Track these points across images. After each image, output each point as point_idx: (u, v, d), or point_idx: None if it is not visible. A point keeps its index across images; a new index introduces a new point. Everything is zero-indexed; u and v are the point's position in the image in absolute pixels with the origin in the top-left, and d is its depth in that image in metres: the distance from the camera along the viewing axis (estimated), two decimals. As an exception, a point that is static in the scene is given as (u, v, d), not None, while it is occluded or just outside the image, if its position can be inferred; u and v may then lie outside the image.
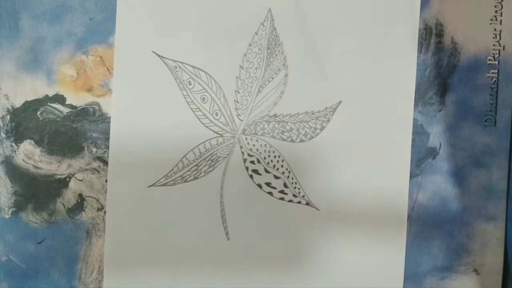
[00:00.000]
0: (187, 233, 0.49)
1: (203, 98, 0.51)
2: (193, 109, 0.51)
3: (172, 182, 0.50)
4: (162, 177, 0.50)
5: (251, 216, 0.51)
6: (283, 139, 0.51)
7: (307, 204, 0.52)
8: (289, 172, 0.52)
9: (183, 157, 0.50)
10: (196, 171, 0.48)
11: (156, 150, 0.47)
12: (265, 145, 0.49)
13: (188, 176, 0.48)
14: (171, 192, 0.48)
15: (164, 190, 0.48)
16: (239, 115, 0.51)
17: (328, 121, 0.52)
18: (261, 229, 0.51)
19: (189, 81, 0.51)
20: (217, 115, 0.51)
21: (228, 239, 0.49)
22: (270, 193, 0.51)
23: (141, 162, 0.47)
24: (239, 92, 0.51)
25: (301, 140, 0.51)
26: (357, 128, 0.51)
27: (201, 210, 0.48)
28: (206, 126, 0.51)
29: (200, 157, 0.48)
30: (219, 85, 0.51)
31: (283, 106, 0.51)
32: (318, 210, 0.52)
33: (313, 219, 0.52)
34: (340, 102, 0.52)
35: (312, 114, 0.52)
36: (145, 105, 0.50)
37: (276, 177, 0.51)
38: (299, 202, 0.52)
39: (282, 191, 0.49)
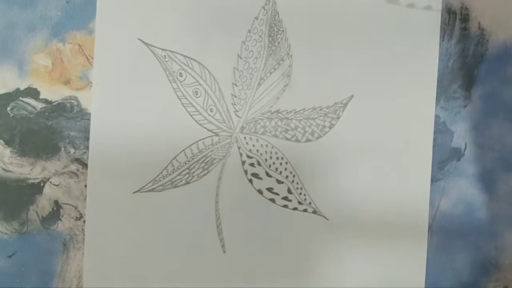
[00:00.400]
0: (178, 246, 0.43)
1: (196, 91, 0.45)
2: (185, 104, 0.45)
3: (161, 187, 0.44)
4: (149, 182, 0.44)
5: (250, 226, 0.45)
6: (287, 139, 0.45)
7: (314, 212, 0.46)
8: (294, 176, 0.46)
9: (173, 159, 0.44)
10: (188, 175, 0.42)
11: (142, 151, 0.42)
12: (267, 145, 0.43)
13: (179, 180, 0.42)
14: (159, 198, 0.43)
15: (151, 197, 0.43)
16: (237, 111, 0.45)
17: (338, 118, 0.46)
18: (262, 241, 0.45)
19: (180, 73, 0.45)
20: (211, 111, 0.45)
21: (224, 252, 0.43)
22: (272, 200, 0.45)
23: (125, 165, 0.42)
24: (236, 85, 0.45)
25: (308, 140, 0.46)
26: (371, 126, 0.46)
27: (193, 219, 0.43)
28: (200, 124, 0.45)
29: (192, 159, 0.42)
30: (214, 77, 0.45)
31: (287, 101, 0.46)
32: (327, 219, 0.46)
33: (321, 230, 0.46)
34: (352, 96, 0.46)
35: (320, 110, 0.46)
36: (129, 100, 0.44)
37: (279, 182, 0.45)
38: (305, 210, 0.46)
39: (285, 198, 0.43)
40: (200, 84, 0.45)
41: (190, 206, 0.45)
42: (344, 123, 0.46)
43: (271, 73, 0.46)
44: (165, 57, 0.45)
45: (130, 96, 0.44)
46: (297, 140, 0.46)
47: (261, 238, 0.46)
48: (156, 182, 0.45)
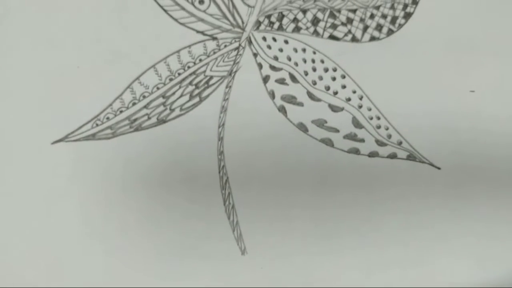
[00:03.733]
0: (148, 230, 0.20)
1: None
2: None
3: (109, 131, 0.23)
4: (87, 123, 0.23)
5: (285, 204, 0.23)
6: (338, 38, 0.25)
7: (411, 157, 0.24)
8: (361, 97, 0.25)
9: (135, 80, 0.24)
10: (163, 108, 0.26)
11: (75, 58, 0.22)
12: (304, 49, 0.24)
13: (146, 117, 0.25)
14: (104, 149, 0.24)
15: (90, 148, 0.21)
16: None
17: (416, 2, 0.27)
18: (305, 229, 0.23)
19: None
20: (202, 3, 0.26)
21: (243, 253, 0.20)
22: (328, 142, 0.24)
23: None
24: None
25: (373, 38, 0.26)
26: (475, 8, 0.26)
27: (176, 190, 0.21)
28: (182, 24, 0.25)
29: (170, 80, 0.25)
30: None
31: None
32: (438, 168, 0.24)
33: (430, 185, 0.24)
34: None
35: None
36: None
37: (334, 109, 0.24)
38: (392, 156, 0.24)
39: (351, 135, 0.25)
40: (179, -34, 0.26)
41: (169, 164, 0.23)
42: (427, 8, 0.27)
43: None
44: None
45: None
46: (355, 39, 0.26)
47: (307, 222, 0.23)
48: (99, 121, 0.23)
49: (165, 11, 0.27)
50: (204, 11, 0.27)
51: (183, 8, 0.27)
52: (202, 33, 0.27)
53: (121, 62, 0.25)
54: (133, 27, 0.25)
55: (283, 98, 0.25)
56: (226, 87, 0.25)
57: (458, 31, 0.27)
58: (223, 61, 0.26)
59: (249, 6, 0.27)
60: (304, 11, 0.27)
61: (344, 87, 0.26)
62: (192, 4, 0.27)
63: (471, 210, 0.25)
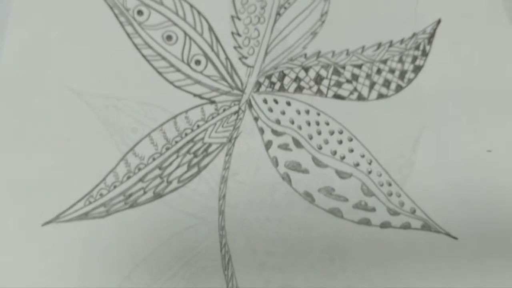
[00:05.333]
0: None
1: (168, 36, 0.25)
2: (148, 57, 0.25)
3: (103, 209, 0.22)
4: (78, 201, 0.22)
5: (296, 270, 0.21)
6: (343, 97, 0.24)
7: (425, 226, 0.23)
8: (370, 162, 0.23)
9: (129, 151, 0.23)
10: (159, 180, 0.24)
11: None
12: (307, 110, 0.22)
13: (141, 192, 0.24)
14: (98, 230, 0.22)
15: (83, 228, 0.20)
16: (245, 57, 0.25)
17: (425, 54, 0.25)
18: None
19: (139, 10, 0.25)
20: (198, 64, 0.25)
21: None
22: (336, 212, 0.22)
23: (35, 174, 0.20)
24: (239, 18, 0.25)
25: (381, 95, 0.24)
26: (483, 62, 0.25)
27: (175, 271, 0.21)
28: (178, 87, 0.24)
29: (167, 149, 0.23)
30: (198, 9, 0.25)
31: (330, 38, 0.25)
32: (455, 238, 0.23)
33: (447, 258, 0.22)
34: (439, 20, 0.26)
35: (391, 46, 0.25)
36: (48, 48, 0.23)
37: (342, 176, 0.23)
38: (405, 226, 0.22)
39: (361, 205, 0.24)
40: (174, 24, 0.25)
41: (165, 248, 0.22)
42: (437, 61, 0.25)
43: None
44: (112, -12, 0.25)
45: (52, 45, 0.24)
46: (362, 98, 0.25)
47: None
48: (92, 198, 0.22)
49: (160, 73, 0.25)
50: (201, 73, 0.26)
51: (178, 70, 0.26)
52: (200, 96, 0.25)
53: (113, 132, 0.24)
54: (125, 92, 0.24)
55: (287, 165, 0.24)
56: (226, 155, 0.24)
57: (472, 83, 0.25)
58: (222, 126, 0.25)
59: (248, 66, 0.26)
60: (307, 69, 0.26)
61: (351, 151, 0.24)
62: (188, 65, 0.26)
63: (492, 284, 0.23)
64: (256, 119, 0.24)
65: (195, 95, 0.25)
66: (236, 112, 0.24)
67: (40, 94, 0.24)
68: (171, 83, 0.25)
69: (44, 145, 0.23)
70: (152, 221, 0.22)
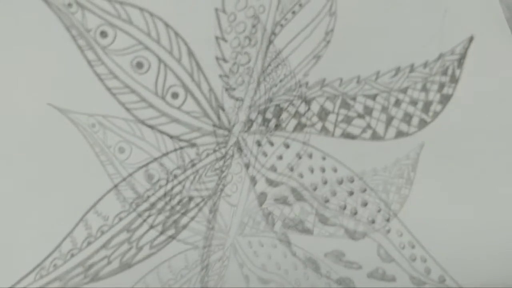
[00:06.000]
0: None
1: (139, 63, 0.21)
2: (113, 90, 0.20)
3: (58, 283, 0.18)
4: (30, 272, 0.18)
5: None
6: (353, 137, 0.20)
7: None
8: (389, 219, 0.19)
9: (89, 210, 0.19)
10: (128, 245, 0.20)
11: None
12: (310, 154, 0.18)
13: (105, 262, 0.20)
14: None
15: None
16: (232, 89, 0.21)
17: (456, 80, 0.21)
18: None
19: (103, 31, 0.21)
20: (176, 97, 0.20)
21: None
22: (346, 283, 0.18)
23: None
24: (225, 40, 0.21)
25: (400, 133, 0.20)
26: None
27: None
28: (149, 126, 0.20)
29: (136, 206, 0.18)
30: (175, 29, 0.21)
31: (337, 60, 0.22)
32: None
33: None
34: (472, 38, 0.22)
35: (412, 71, 0.21)
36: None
37: (354, 236, 0.19)
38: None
39: (378, 275, 0.17)
40: (146, 47, 0.21)
41: None
42: (470, 89, 0.21)
43: (293, 13, 0.22)
44: (70, 5, 0.21)
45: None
46: (377, 137, 0.20)
47: None
48: (44, 270, 0.18)
49: (127, 109, 0.21)
50: (179, 108, 0.21)
51: (151, 106, 0.21)
52: (177, 138, 0.21)
53: (71, 185, 0.20)
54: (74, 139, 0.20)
55: (286, 224, 0.20)
56: (210, 211, 0.20)
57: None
58: (205, 175, 0.20)
59: (236, 99, 0.21)
60: (309, 101, 0.22)
61: (365, 204, 0.20)
62: (163, 99, 0.21)
63: None
64: (247, 166, 0.20)
65: (171, 136, 0.20)
66: (222, 157, 0.20)
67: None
68: (142, 122, 0.20)
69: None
70: (118, 300, 0.18)
